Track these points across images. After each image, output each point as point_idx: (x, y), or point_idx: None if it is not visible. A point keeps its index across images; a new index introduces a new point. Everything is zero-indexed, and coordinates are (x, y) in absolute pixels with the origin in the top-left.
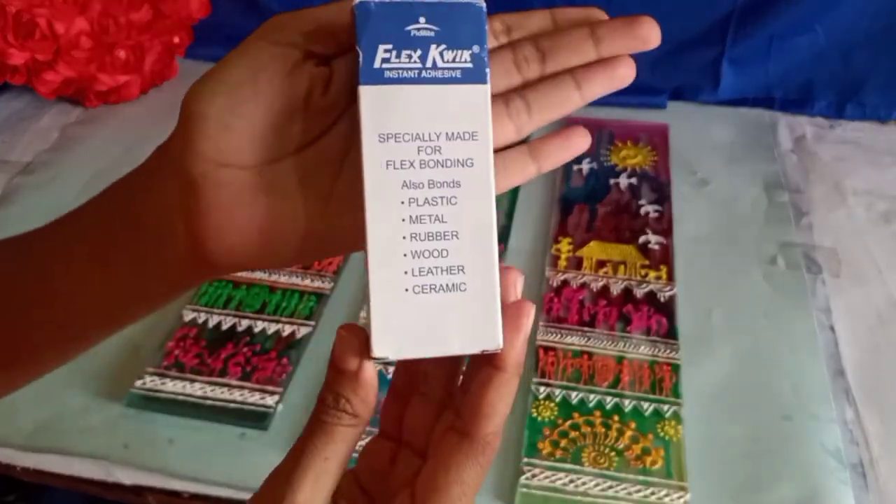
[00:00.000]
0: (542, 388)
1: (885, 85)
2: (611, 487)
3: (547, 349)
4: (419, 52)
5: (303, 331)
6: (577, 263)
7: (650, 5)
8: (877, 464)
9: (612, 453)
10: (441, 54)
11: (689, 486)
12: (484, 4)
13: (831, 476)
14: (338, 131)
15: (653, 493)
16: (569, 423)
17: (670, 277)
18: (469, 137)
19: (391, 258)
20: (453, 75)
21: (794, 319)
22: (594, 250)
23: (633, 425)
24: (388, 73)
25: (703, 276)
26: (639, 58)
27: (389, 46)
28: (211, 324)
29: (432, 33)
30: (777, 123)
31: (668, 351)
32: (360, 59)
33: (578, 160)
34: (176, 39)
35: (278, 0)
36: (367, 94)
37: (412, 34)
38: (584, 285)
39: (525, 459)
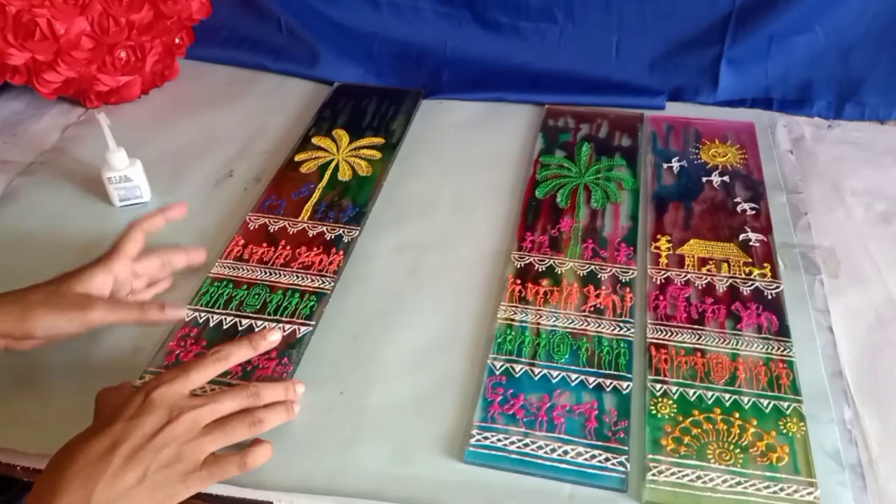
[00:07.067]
0: (657, 385)
1: (884, 85)
2: (739, 483)
3: (658, 346)
4: None
5: (303, 330)
6: (678, 261)
7: (649, 6)
8: (876, 464)
9: (737, 450)
10: None
11: (818, 482)
12: None
13: (830, 477)
14: None
15: (781, 489)
16: (689, 419)
17: (775, 275)
18: None
19: None
20: None
21: (792, 320)
22: (694, 248)
23: (754, 422)
24: None
25: None
26: (638, 58)
27: None
28: (212, 323)
29: None
30: (776, 124)
31: (781, 349)
32: None
33: (668, 158)
34: (177, 40)
35: (279, 1)
36: None
37: None
38: (688, 283)
39: (649, 455)
